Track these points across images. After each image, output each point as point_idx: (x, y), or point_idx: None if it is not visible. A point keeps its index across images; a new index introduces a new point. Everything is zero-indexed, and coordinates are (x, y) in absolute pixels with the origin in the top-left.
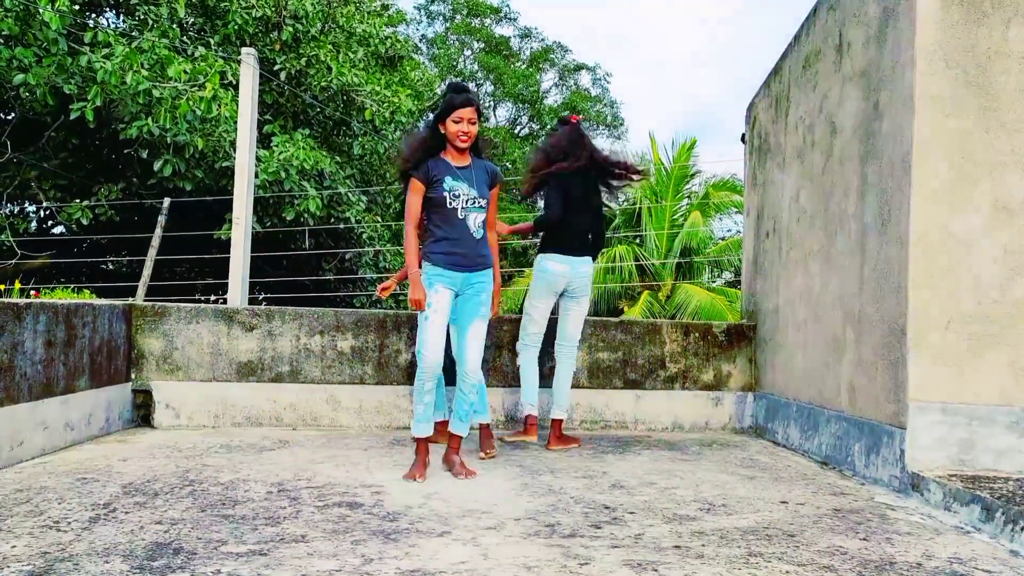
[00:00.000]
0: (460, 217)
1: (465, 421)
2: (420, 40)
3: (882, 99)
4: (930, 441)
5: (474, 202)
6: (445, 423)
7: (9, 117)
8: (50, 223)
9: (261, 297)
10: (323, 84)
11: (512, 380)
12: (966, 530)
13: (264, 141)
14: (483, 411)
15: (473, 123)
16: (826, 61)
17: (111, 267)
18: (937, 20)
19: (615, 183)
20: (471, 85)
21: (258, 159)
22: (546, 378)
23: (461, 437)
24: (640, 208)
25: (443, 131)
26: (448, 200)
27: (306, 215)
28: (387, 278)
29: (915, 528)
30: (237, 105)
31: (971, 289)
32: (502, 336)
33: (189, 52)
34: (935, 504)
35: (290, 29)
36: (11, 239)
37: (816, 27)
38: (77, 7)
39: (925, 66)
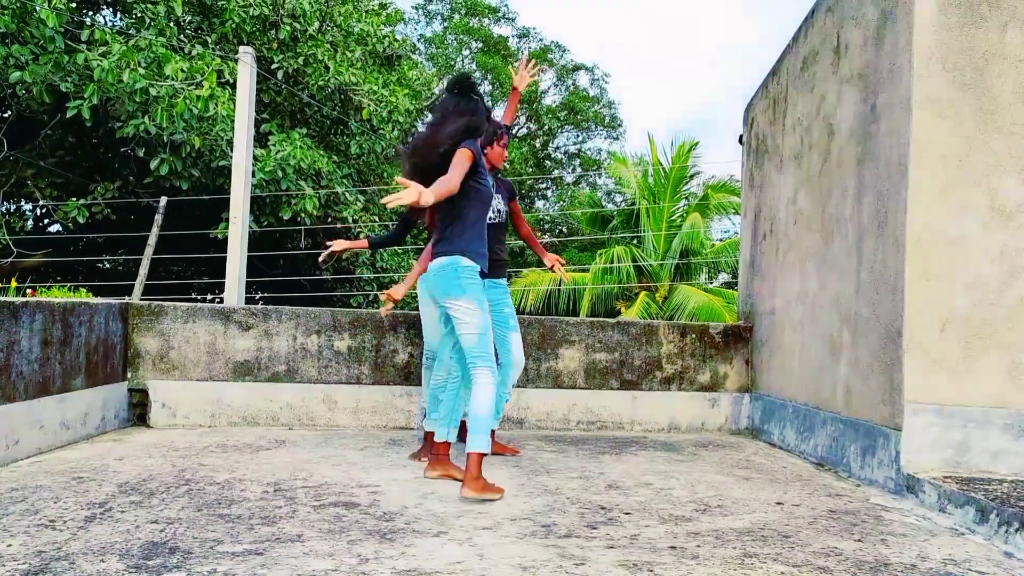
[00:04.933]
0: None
1: (483, 430)
2: (418, 39)
3: (879, 101)
4: (925, 443)
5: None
6: (447, 444)
7: (5, 115)
8: (46, 221)
9: (258, 296)
10: (320, 83)
11: None
12: (960, 532)
13: (261, 140)
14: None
15: None
16: (824, 63)
17: (107, 266)
18: (935, 23)
19: None
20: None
21: (255, 158)
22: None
23: (482, 455)
24: (638, 209)
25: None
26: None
27: (303, 214)
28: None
29: (910, 529)
30: (234, 104)
31: (967, 291)
32: None
33: (186, 50)
34: (930, 506)
35: (288, 28)
36: (7, 237)
37: (814, 29)
38: (74, 5)
39: (922, 68)
